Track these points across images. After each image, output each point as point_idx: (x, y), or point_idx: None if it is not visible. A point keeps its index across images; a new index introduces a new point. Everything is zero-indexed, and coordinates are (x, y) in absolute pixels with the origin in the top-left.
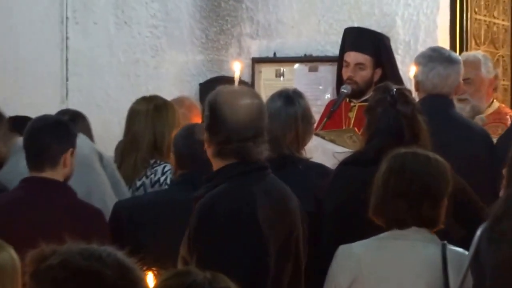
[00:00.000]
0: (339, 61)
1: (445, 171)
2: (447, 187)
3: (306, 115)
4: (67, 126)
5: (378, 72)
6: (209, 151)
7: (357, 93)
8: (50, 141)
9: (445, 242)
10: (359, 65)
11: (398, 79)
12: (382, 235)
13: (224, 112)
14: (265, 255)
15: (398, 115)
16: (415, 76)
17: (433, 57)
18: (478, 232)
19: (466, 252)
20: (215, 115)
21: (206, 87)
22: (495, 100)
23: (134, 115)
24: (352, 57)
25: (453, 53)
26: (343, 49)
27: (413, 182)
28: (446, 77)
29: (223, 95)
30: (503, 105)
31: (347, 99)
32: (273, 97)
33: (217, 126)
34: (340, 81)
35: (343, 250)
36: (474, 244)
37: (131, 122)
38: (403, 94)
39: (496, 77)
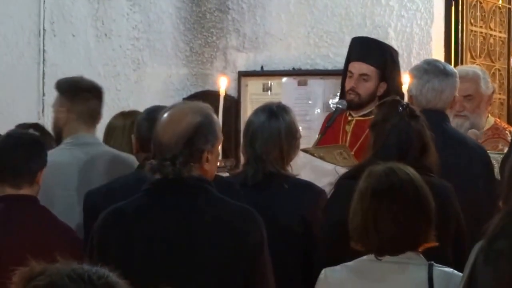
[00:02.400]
0: (344, 71)
1: (424, 184)
2: (432, 201)
3: (291, 130)
4: (42, 143)
5: (383, 86)
6: None
7: (357, 105)
8: (28, 159)
9: (432, 262)
10: (363, 76)
11: (399, 96)
12: (365, 257)
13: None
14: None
15: (409, 130)
16: (409, 91)
17: (427, 71)
18: (473, 253)
19: (454, 271)
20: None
21: None
22: (489, 115)
23: (111, 131)
24: (356, 67)
25: (448, 66)
26: (349, 59)
27: (405, 204)
28: (441, 91)
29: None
30: (499, 120)
31: (347, 112)
32: (257, 112)
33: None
34: (343, 93)
35: (325, 275)
36: (469, 266)
37: (108, 138)
38: (413, 109)
39: (493, 92)
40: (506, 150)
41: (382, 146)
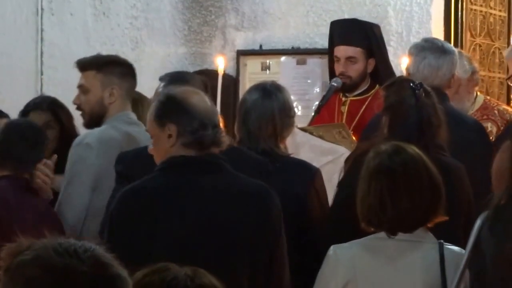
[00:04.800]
0: (329, 55)
1: (428, 160)
2: (439, 175)
3: (285, 108)
4: (45, 134)
5: (372, 63)
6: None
7: (351, 87)
8: (32, 150)
9: (442, 241)
10: (350, 59)
11: (389, 70)
12: (375, 235)
13: (187, 102)
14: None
15: (428, 108)
16: (407, 68)
17: (424, 47)
18: (478, 222)
19: (462, 250)
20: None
21: None
22: (479, 94)
23: None
24: (342, 51)
25: (447, 44)
26: (332, 43)
27: (418, 180)
28: (437, 68)
29: (179, 91)
30: (488, 98)
31: (340, 94)
32: (250, 90)
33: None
34: (332, 76)
35: (334, 252)
36: (474, 235)
37: None
38: (425, 87)
39: (473, 73)
40: (495, 131)
41: (401, 127)
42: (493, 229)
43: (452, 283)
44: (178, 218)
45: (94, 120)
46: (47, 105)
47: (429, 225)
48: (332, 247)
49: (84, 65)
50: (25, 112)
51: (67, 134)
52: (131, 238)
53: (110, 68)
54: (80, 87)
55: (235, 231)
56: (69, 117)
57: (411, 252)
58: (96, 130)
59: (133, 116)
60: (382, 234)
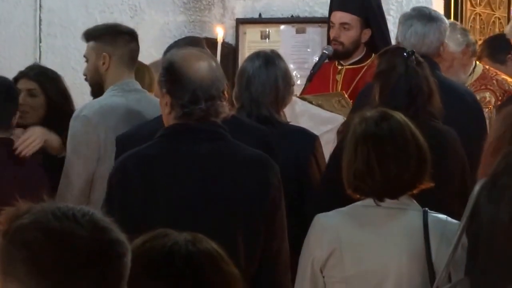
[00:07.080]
0: (328, 22)
1: (414, 127)
2: (424, 141)
3: (286, 76)
4: (15, 88)
5: (367, 33)
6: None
7: (343, 54)
8: (3, 105)
9: (426, 208)
10: (344, 25)
11: (386, 41)
12: (360, 202)
13: (185, 71)
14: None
15: (418, 76)
16: (396, 37)
17: (412, 16)
18: (476, 188)
19: (448, 218)
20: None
21: None
22: (477, 64)
23: None
24: (337, 17)
25: (435, 12)
26: (331, 10)
27: (405, 146)
28: (423, 35)
29: (177, 56)
30: (487, 67)
31: (336, 62)
32: (251, 58)
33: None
34: (331, 44)
35: (319, 220)
36: (472, 201)
37: None
38: (417, 55)
39: (468, 45)
40: (493, 101)
41: (391, 94)
42: (490, 196)
43: (438, 250)
44: (175, 185)
45: (95, 89)
46: (33, 74)
47: (415, 191)
48: (317, 216)
49: (85, 36)
50: (15, 79)
51: (53, 103)
52: (129, 203)
53: (103, 37)
54: (84, 57)
55: (230, 200)
56: (57, 87)
57: (395, 220)
58: (96, 100)
59: (133, 84)
60: (368, 201)
